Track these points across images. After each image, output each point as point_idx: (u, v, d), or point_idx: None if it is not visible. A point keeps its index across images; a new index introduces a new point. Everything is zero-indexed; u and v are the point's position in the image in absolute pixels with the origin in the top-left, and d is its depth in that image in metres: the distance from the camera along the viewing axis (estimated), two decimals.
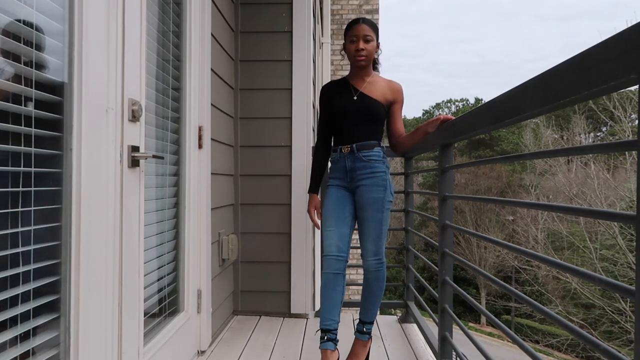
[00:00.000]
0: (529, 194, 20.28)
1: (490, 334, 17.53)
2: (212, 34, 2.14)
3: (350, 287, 6.37)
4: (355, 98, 1.95)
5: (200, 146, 2.01)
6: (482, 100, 37.28)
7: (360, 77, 1.99)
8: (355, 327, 1.98)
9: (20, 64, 0.94)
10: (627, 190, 14.65)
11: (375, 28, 1.94)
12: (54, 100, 1.05)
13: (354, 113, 1.94)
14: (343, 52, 2.00)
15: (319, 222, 2.04)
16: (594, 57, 0.76)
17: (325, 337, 1.81)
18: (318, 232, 2.86)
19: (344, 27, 2.05)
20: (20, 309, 0.94)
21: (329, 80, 2.06)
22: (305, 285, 2.65)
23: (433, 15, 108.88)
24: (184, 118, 1.90)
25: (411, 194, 2.67)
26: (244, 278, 2.68)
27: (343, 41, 2.00)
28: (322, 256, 1.91)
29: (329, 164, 2.07)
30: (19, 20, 0.94)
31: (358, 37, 1.90)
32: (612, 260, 14.62)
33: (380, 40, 1.99)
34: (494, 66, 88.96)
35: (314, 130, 3.17)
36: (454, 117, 1.68)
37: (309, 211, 2.04)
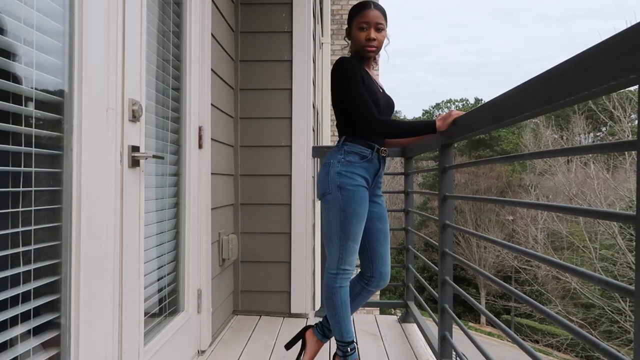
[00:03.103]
0: (529, 194, 20.28)
1: (490, 334, 17.53)
2: (212, 34, 2.13)
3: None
4: (382, 91, 1.76)
5: (200, 146, 2.01)
6: (482, 100, 37.28)
7: (369, 67, 1.78)
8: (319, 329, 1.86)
9: (21, 64, 0.94)
10: (627, 190, 14.65)
11: (386, 15, 1.72)
12: (54, 100, 1.05)
13: (384, 110, 1.72)
14: (346, 38, 1.78)
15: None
16: (594, 57, 0.76)
17: (350, 349, 1.73)
18: (318, 233, 2.85)
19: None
20: (20, 309, 0.94)
21: (346, 57, 1.72)
22: (305, 285, 2.65)
23: (433, 15, 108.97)
24: (184, 118, 1.90)
25: (411, 194, 2.67)
26: (244, 278, 2.68)
27: (346, 26, 1.77)
28: (339, 267, 1.69)
29: (353, 158, 1.68)
30: (19, 20, 0.94)
31: (369, 25, 1.67)
32: (611, 260, 14.62)
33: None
34: (494, 66, 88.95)
35: (314, 130, 3.17)
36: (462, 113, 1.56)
37: (450, 120, 1.58)
